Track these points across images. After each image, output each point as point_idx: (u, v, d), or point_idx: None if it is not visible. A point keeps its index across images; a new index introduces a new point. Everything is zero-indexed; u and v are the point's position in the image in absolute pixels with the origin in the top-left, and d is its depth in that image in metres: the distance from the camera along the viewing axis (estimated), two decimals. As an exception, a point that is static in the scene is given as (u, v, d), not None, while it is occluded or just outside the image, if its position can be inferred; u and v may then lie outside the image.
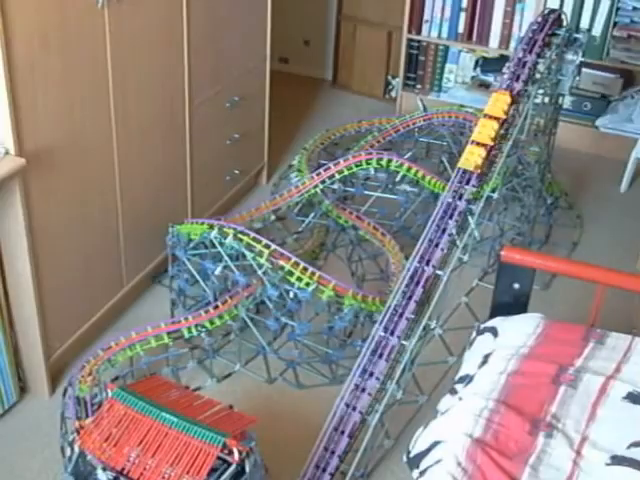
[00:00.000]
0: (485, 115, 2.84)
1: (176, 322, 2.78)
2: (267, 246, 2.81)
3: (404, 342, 2.48)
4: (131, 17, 2.71)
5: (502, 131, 2.85)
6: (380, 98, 4.96)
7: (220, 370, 2.92)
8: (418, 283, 2.55)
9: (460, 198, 2.70)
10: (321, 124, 4.37)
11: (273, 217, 3.31)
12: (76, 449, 2.05)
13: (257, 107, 3.80)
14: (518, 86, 2.96)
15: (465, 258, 2.66)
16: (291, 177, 3.53)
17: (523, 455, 1.84)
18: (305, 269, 2.77)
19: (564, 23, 3.28)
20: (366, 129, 4.00)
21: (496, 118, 2.82)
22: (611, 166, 4.22)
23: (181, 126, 3.18)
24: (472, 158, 2.74)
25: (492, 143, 2.78)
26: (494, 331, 2.25)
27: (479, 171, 2.74)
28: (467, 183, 2.74)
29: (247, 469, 1.99)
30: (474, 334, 2.33)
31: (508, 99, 2.85)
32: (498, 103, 2.86)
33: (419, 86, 4.75)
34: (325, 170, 3.29)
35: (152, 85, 2.93)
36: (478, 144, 2.77)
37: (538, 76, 3.08)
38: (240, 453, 1.97)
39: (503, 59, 4.14)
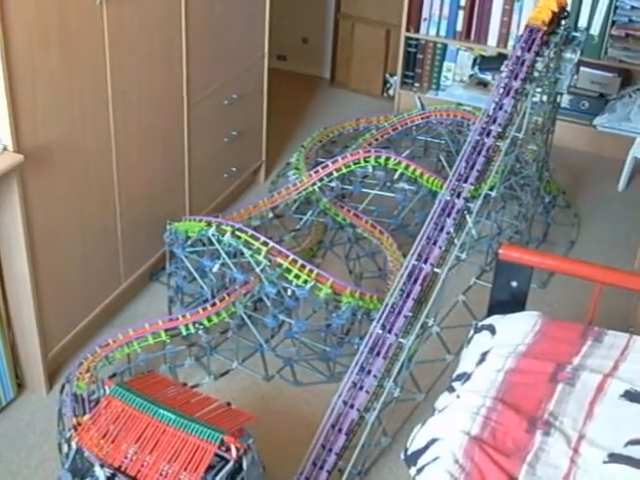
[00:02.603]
0: None
1: (174, 319, 2.78)
2: (265, 243, 2.81)
3: (402, 340, 2.48)
4: (129, 15, 2.70)
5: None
6: (378, 96, 4.95)
7: (217, 367, 2.92)
8: (416, 281, 2.55)
9: (458, 196, 2.70)
10: (319, 122, 4.37)
11: (271, 215, 3.31)
12: (73, 446, 2.05)
13: (255, 105, 3.80)
14: (516, 84, 2.96)
15: (463, 256, 2.66)
16: (289, 175, 3.53)
17: (521, 453, 1.84)
18: (303, 266, 2.77)
19: (562, 22, 3.28)
20: (364, 127, 4.00)
21: None
22: (609, 165, 4.22)
23: (179, 124, 3.18)
24: (541, 16, 3.08)
25: (556, 10, 3.12)
26: (492, 329, 2.25)
27: (545, 29, 3.04)
28: (532, 42, 3.02)
29: (245, 466, 1.99)
30: (472, 332, 2.33)
31: None
32: None
33: (417, 84, 4.74)
34: (323, 168, 3.29)
35: (150, 82, 2.93)
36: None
37: (536, 74, 3.09)
38: (238, 450, 1.97)
39: (501, 57, 4.14)
